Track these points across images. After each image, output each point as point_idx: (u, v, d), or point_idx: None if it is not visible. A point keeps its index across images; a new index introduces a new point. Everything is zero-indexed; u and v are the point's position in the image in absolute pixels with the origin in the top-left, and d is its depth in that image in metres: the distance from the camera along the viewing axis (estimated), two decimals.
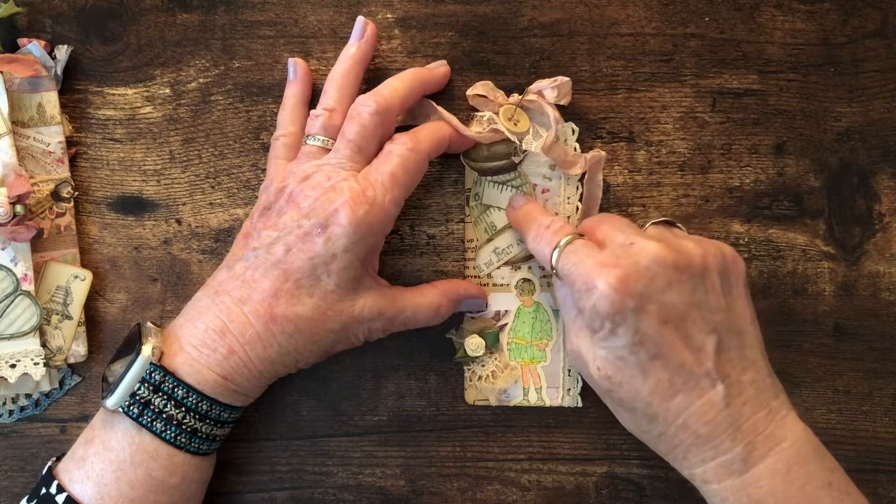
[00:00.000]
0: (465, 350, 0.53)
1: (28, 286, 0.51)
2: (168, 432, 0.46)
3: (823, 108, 0.54)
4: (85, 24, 0.54)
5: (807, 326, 0.55)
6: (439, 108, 0.52)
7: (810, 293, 0.54)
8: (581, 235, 0.48)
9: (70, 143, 0.54)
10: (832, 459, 0.46)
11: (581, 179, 0.54)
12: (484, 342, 0.53)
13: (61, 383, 0.54)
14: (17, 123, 0.52)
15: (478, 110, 0.53)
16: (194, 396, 0.46)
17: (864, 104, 0.54)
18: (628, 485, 0.55)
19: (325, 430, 0.55)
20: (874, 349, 0.55)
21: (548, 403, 0.54)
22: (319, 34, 0.54)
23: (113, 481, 0.46)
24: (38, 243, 0.52)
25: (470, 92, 0.53)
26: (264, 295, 0.47)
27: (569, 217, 0.54)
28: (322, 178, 0.48)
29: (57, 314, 0.52)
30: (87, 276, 0.53)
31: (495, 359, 0.54)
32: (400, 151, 0.48)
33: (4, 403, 0.53)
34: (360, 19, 0.51)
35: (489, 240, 0.54)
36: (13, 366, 0.51)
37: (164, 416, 0.46)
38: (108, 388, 0.47)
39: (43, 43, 0.52)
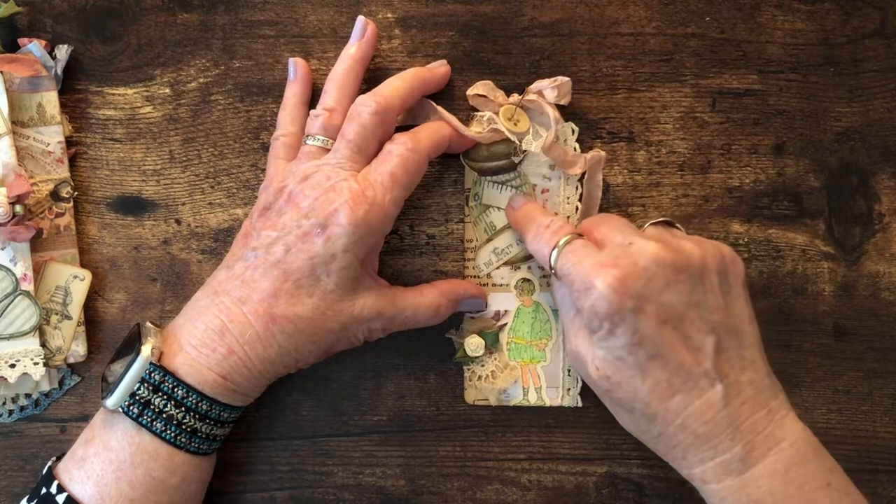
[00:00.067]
0: (464, 350, 0.53)
1: (27, 286, 0.51)
2: (168, 432, 0.46)
3: (823, 108, 0.54)
4: (85, 23, 0.54)
5: (807, 326, 0.54)
6: (439, 108, 0.52)
7: (810, 293, 0.54)
8: (580, 235, 0.48)
9: (70, 143, 0.54)
10: (831, 459, 0.46)
11: (581, 179, 0.54)
12: (484, 342, 0.53)
13: (61, 383, 0.54)
14: (17, 123, 0.52)
15: (478, 110, 0.53)
16: (194, 396, 0.46)
17: (864, 104, 0.54)
18: (628, 485, 0.55)
19: (325, 430, 0.55)
20: (874, 349, 0.55)
21: (548, 403, 0.54)
22: (320, 34, 0.54)
23: (113, 481, 0.46)
24: (37, 243, 0.52)
25: (470, 92, 0.53)
26: (264, 295, 0.47)
27: (568, 217, 0.54)
28: (322, 178, 0.48)
29: (56, 314, 0.52)
30: (87, 276, 0.53)
31: (495, 359, 0.54)
32: (400, 151, 0.48)
33: (4, 403, 0.53)
34: (361, 19, 0.51)
35: (489, 240, 0.54)
36: (13, 366, 0.51)
37: (163, 415, 0.46)
38: (108, 388, 0.47)
39: (43, 43, 0.52)
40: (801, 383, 0.55)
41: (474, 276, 0.54)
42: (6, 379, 0.51)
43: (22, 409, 0.54)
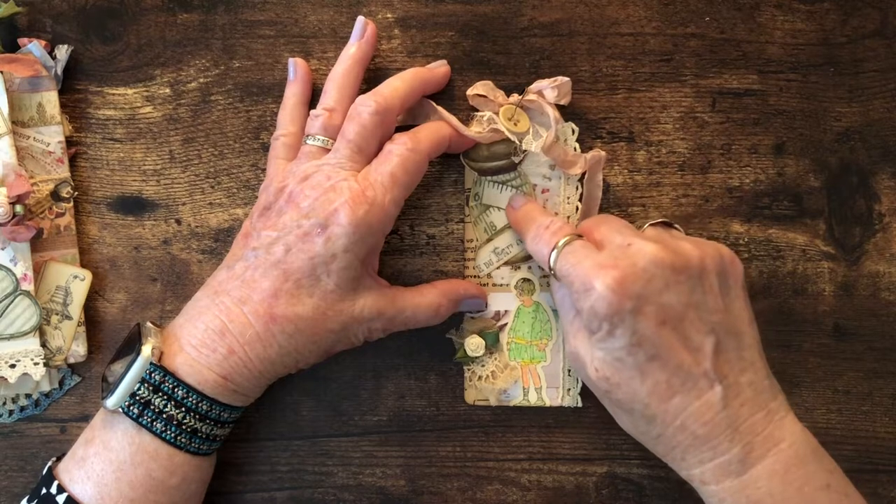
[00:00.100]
0: (465, 350, 0.53)
1: (28, 286, 0.51)
2: (168, 432, 0.46)
3: (823, 108, 0.54)
4: (85, 23, 0.54)
5: (807, 326, 0.54)
6: (439, 108, 0.52)
7: (810, 293, 0.54)
8: (579, 236, 0.48)
9: (70, 142, 0.54)
10: (831, 460, 0.46)
11: (581, 179, 0.54)
12: (484, 342, 0.53)
13: (61, 383, 0.54)
14: (17, 123, 0.52)
15: (478, 110, 0.53)
16: (194, 396, 0.46)
17: (864, 104, 0.54)
18: (628, 485, 0.55)
19: (325, 430, 0.55)
20: (874, 349, 0.55)
21: (548, 403, 0.54)
22: (320, 34, 0.54)
23: (113, 481, 0.46)
24: (37, 243, 0.52)
25: (470, 92, 0.53)
26: (264, 295, 0.47)
27: (569, 217, 0.54)
28: (322, 178, 0.48)
29: (57, 314, 0.52)
30: (87, 276, 0.53)
31: (495, 359, 0.54)
32: (400, 151, 0.48)
33: (4, 403, 0.53)
34: (361, 19, 0.51)
35: (489, 240, 0.54)
36: (13, 366, 0.51)
37: (164, 416, 0.46)
38: (108, 388, 0.47)
39: (43, 43, 0.52)
40: (801, 383, 0.55)
41: (474, 276, 0.54)
42: (6, 379, 0.51)
43: (22, 409, 0.54)
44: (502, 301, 0.54)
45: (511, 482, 0.55)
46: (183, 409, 0.46)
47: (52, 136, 0.53)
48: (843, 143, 0.54)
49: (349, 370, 0.55)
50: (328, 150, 0.50)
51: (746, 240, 0.54)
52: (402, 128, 0.51)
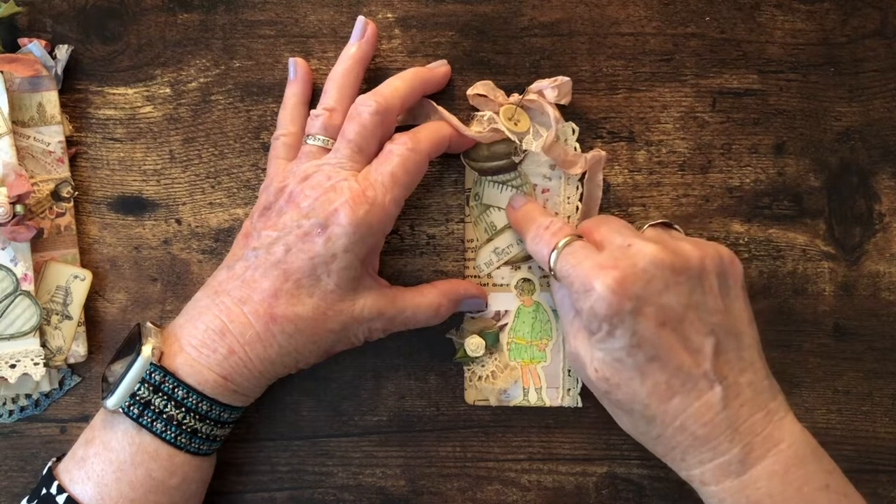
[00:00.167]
0: (465, 350, 0.53)
1: (28, 286, 0.51)
2: (168, 433, 0.46)
3: (823, 107, 0.54)
4: (85, 23, 0.54)
5: (807, 326, 0.54)
6: (439, 108, 0.52)
7: (810, 293, 0.54)
8: (579, 237, 0.48)
9: (70, 142, 0.54)
10: (830, 461, 0.46)
11: (581, 179, 0.54)
12: (484, 342, 0.53)
13: (61, 383, 0.54)
14: (18, 123, 0.52)
15: (478, 110, 0.53)
16: (194, 397, 0.46)
17: (864, 104, 0.54)
18: (628, 485, 0.55)
19: (325, 430, 0.55)
20: (874, 349, 0.55)
21: (548, 403, 0.54)
22: (320, 34, 0.54)
23: (113, 482, 0.46)
24: (38, 243, 0.52)
25: (470, 92, 0.53)
26: (264, 295, 0.47)
27: (569, 217, 0.54)
28: (322, 177, 0.48)
29: (57, 314, 0.52)
30: (87, 276, 0.53)
31: (495, 359, 0.54)
32: (400, 151, 0.48)
33: (4, 403, 0.53)
34: (361, 19, 0.51)
35: (489, 240, 0.54)
36: (13, 366, 0.51)
37: (164, 416, 0.46)
38: (109, 388, 0.47)
39: (43, 43, 0.52)
40: (801, 383, 0.55)
41: (475, 276, 0.54)
42: (6, 379, 0.51)
43: (22, 409, 0.54)
44: (502, 301, 0.54)
45: (511, 482, 0.55)
46: (183, 409, 0.46)
47: (53, 136, 0.52)
48: (843, 143, 0.54)
49: (349, 370, 0.55)
50: (328, 150, 0.50)
51: (746, 240, 0.54)
52: (403, 128, 0.51)
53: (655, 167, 0.54)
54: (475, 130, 0.52)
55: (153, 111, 0.54)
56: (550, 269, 0.49)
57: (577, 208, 0.54)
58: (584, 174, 0.53)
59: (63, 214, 0.53)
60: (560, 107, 0.53)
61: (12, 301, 0.51)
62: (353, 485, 0.54)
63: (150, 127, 0.54)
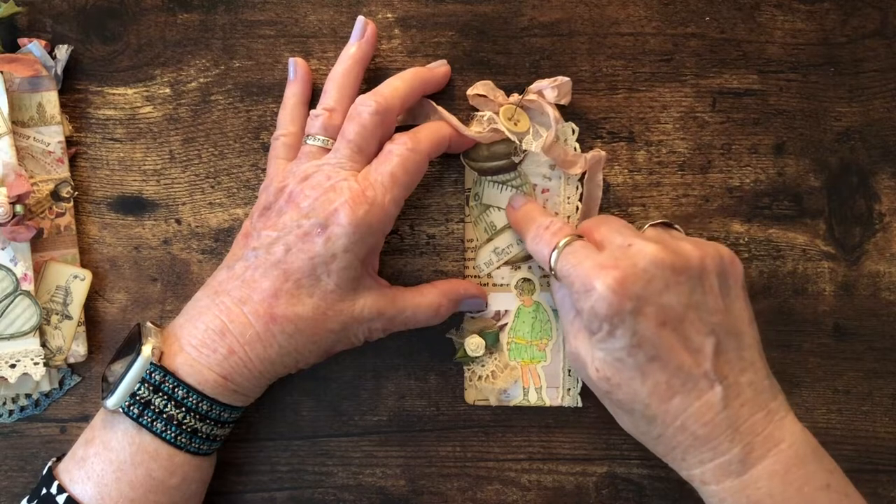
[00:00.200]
0: (465, 350, 0.53)
1: (28, 286, 0.51)
2: (168, 432, 0.46)
3: (823, 108, 0.54)
4: (85, 23, 0.54)
5: (807, 326, 0.54)
6: (439, 108, 0.52)
7: (810, 293, 0.54)
8: (580, 237, 0.48)
9: (70, 142, 0.54)
10: (831, 460, 0.46)
11: (581, 179, 0.54)
12: (484, 342, 0.53)
13: (61, 383, 0.54)
14: (17, 123, 0.52)
15: (478, 110, 0.53)
16: (194, 397, 0.46)
17: (864, 104, 0.54)
18: (628, 485, 0.55)
19: (325, 430, 0.55)
20: (874, 349, 0.55)
21: (548, 403, 0.54)
22: (320, 34, 0.54)
23: (113, 481, 0.46)
24: (37, 243, 0.52)
25: (470, 92, 0.53)
26: (264, 295, 0.47)
27: (569, 217, 0.54)
28: (322, 177, 0.48)
29: (57, 314, 0.52)
30: (87, 275, 0.53)
31: (495, 359, 0.54)
32: (400, 151, 0.48)
33: (4, 403, 0.53)
34: (361, 19, 0.51)
35: (489, 240, 0.54)
36: (13, 366, 0.51)
37: (164, 416, 0.46)
38: (109, 388, 0.47)
39: (43, 43, 0.52)
40: (801, 383, 0.55)
41: (474, 276, 0.54)
42: (6, 379, 0.51)
43: (22, 409, 0.54)
44: (502, 301, 0.54)
45: (511, 482, 0.55)
46: (183, 409, 0.46)
47: (52, 136, 0.52)
48: (843, 143, 0.54)
49: (349, 370, 0.55)
50: (328, 150, 0.50)
51: (746, 240, 0.54)
52: (402, 128, 0.51)
53: (655, 167, 0.54)
54: (475, 130, 0.52)
55: (153, 111, 0.54)
56: (551, 269, 0.49)
57: (577, 208, 0.54)
58: (583, 174, 0.53)
59: (63, 214, 0.53)
60: (560, 107, 0.53)
61: (12, 301, 0.51)
62: (353, 485, 0.54)
63: (149, 127, 0.54)
